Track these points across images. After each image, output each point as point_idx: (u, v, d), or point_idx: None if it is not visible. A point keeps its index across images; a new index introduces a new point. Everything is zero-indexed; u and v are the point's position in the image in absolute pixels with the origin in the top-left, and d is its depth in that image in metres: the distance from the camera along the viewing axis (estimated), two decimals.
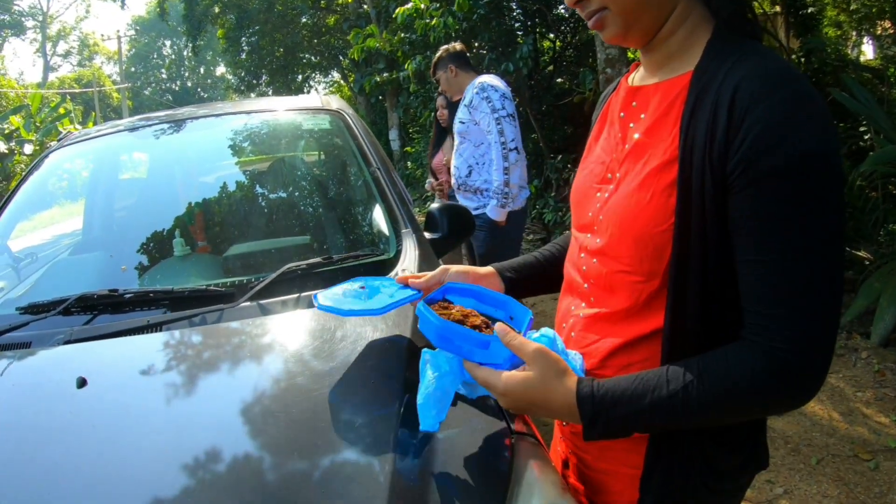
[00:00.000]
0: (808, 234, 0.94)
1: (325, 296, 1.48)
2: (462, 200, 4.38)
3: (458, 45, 4.58)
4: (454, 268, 1.44)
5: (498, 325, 1.15)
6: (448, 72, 4.54)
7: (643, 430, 1.08)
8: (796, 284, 0.96)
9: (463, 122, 4.27)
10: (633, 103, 1.18)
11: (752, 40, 1.05)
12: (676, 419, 1.04)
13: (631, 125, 1.17)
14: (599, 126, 1.31)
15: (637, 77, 1.24)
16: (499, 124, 4.04)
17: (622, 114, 1.21)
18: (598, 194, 1.21)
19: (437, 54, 4.62)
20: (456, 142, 4.40)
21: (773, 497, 3.16)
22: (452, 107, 5.05)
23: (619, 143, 1.19)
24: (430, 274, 1.44)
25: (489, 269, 1.48)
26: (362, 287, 1.49)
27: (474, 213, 4.24)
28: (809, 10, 8.88)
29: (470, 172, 4.28)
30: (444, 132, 5.41)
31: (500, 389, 1.12)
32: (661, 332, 1.11)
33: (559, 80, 10.59)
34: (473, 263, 4.57)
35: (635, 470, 1.21)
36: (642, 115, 1.15)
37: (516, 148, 4.09)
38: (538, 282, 1.51)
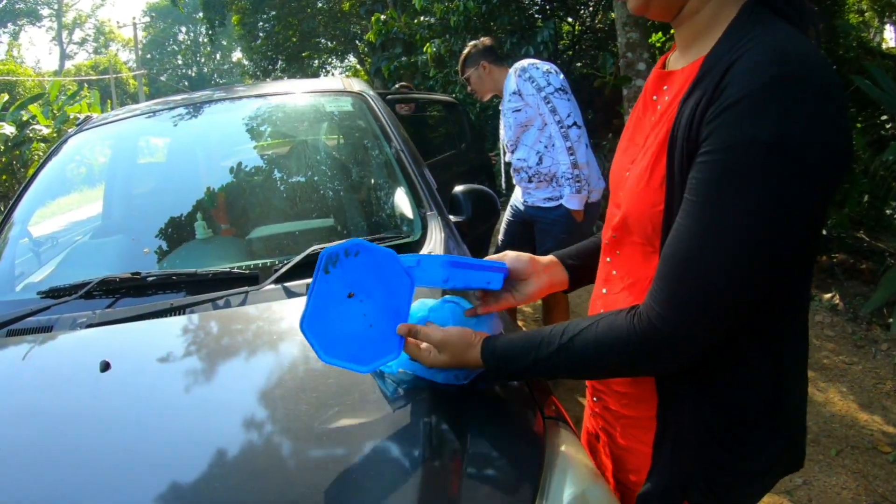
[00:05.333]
0: (723, 219, 0.94)
1: (321, 338, 1.27)
2: (535, 194, 4.06)
3: (486, 41, 4.26)
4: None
5: (400, 328, 1.30)
6: (480, 69, 4.17)
7: (537, 377, 1.34)
8: (689, 253, 0.98)
9: (519, 110, 3.91)
10: (665, 87, 1.18)
11: (779, 19, 1.01)
12: (559, 373, 1.21)
13: (659, 108, 1.17)
14: (637, 107, 1.30)
15: (672, 59, 1.22)
16: (548, 102, 3.73)
17: (654, 97, 1.21)
18: (627, 174, 1.22)
19: (466, 51, 4.27)
20: (511, 137, 4.07)
21: (791, 488, 3.14)
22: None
23: (652, 127, 1.18)
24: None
25: (551, 258, 1.50)
26: (351, 295, 1.30)
27: (547, 204, 3.99)
28: None
29: (541, 159, 3.93)
30: None
31: (428, 366, 1.32)
32: None
33: (579, 64, 10.52)
34: None
35: (651, 448, 1.22)
36: (666, 99, 1.15)
37: (575, 123, 3.77)
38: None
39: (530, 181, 4.02)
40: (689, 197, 0.98)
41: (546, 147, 3.90)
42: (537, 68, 3.83)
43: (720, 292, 0.97)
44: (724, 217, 0.94)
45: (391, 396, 1.36)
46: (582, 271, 1.50)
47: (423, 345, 1.31)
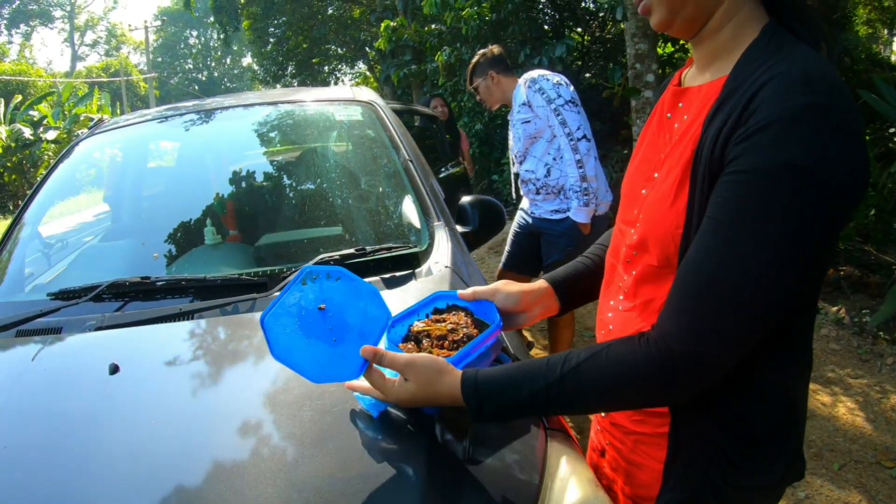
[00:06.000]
0: (750, 239, 0.94)
1: (274, 320, 1.27)
2: (542, 206, 4.05)
3: (496, 49, 4.20)
4: (502, 292, 1.41)
5: (364, 350, 1.22)
6: (488, 79, 4.15)
7: (531, 415, 1.19)
8: (713, 273, 0.97)
9: (528, 122, 3.89)
10: (680, 104, 1.18)
11: (800, 43, 1.02)
12: (557, 408, 1.13)
13: (675, 125, 1.17)
14: (650, 122, 1.30)
15: (688, 75, 1.23)
16: (558, 115, 3.71)
17: (669, 114, 1.20)
18: (643, 191, 1.21)
19: (474, 60, 4.24)
20: (520, 148, 4.06)
21: (794, 501, 3.14)
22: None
23: (665, 144, 1.19)
24: (481, 289, 1.42)
25: (545, 286, 1.47)
26: (322, 307, 1.30)
27: (553, 216, 3.97)
28: (841, 9, 8.77)
29: (549, 172, 3.91)
30: None
31: (392, 400, 1.22)
32: None
33: (587, 75, 10.53)
34: (520, 272, 4.32)
35: (663, 465, 1.21)
36: (685, 117, 1.14)
37: (584, 136, 3.74)
38: (594, 288, 1.47)
39: (538, 193, 4.01)
40: (713, 216, 0.98)
41: (554, 159, 3.89)
42: (547, 80, 3.81)
43: (745, 314, 0.96)
44: (750, 237, 0.94)
45: (393, 406, 1.36)
46: (575, 296, 1.49)
47: (388, 374, 1.23)
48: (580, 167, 3.71)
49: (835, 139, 0.90)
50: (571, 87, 3.88)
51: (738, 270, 0.95)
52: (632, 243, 1.21)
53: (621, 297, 1.27)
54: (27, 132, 11.61)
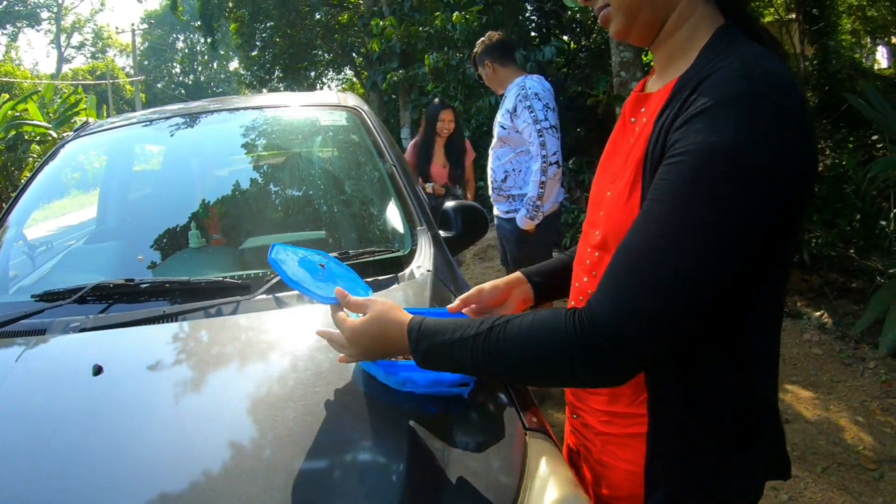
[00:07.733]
0: (678, 216, 0.95)
1: (284, 251, 1.46)
2: (496, 204, 4.30)
3: (494, 35, 4.28)
4: (487, 286, 1.49)
5: (337, 290, 1.35)
6: (486, 68, 4.26)
7: (458, 363, 1.16)
8: (641, 250, 0.98)
9: (504, 128, 4.05)
10: (642, 109, 1.20)
11: (752, 41, 1.05)
12: (482, 360, 1.11)
13: (637, 130, 1.19)
14: (615, 130, 1.32)
15: (650, 82, 1.25)
16: (541, 136, 3.83)
17: (633, 119, 1.23)
18: (608, 193, 1.23)
19: (475, 49, 4.36)
20: (494, 143, 4.21)
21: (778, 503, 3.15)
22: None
23: (630, 148, 1.20)
24: (465, 295, 1.48)
25: (517, 275, 1.54)
26: (323, 266, 1.51)
27: (505, 216, 4.18)
28: (825, 17, 8.85)
29: (506, 178, 4.13)
30: (432, 142, 5.64)
31: (347, 334, 1.29)
32: None
33: (572, 82, 10.57)
34: (506, 266, 4.50)
35: (631, 465, 1.22)
36: (644, 120, 1.17)
37: (556, 162, 3.88)
38: (567, 284, 1.48)
39: (492, 191, 4.22)
40: (649, 198, 1.00)
41: (514, 170, 4.08)
42: (539, 100, 3.91)
43: (668, 290, 0.96)
44: (675, 217, 0.95)
45: (375, 406, 1.38)
46: (547, 287, 1.54)
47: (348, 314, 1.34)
48: (541, 188, 3.87)
49: (769, 127, 0.92)
50: (556, 111, 4.03)
51: (663, 245, 0.96)
52: (595, 243, 1.23)
53: (581, 299, 1.29)
54: (43, 127, 11.45)
